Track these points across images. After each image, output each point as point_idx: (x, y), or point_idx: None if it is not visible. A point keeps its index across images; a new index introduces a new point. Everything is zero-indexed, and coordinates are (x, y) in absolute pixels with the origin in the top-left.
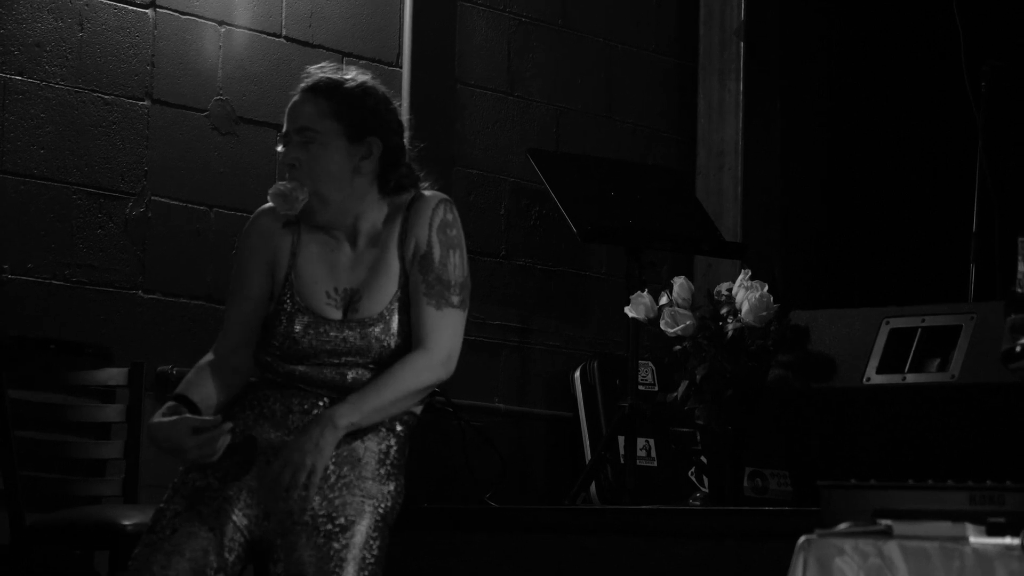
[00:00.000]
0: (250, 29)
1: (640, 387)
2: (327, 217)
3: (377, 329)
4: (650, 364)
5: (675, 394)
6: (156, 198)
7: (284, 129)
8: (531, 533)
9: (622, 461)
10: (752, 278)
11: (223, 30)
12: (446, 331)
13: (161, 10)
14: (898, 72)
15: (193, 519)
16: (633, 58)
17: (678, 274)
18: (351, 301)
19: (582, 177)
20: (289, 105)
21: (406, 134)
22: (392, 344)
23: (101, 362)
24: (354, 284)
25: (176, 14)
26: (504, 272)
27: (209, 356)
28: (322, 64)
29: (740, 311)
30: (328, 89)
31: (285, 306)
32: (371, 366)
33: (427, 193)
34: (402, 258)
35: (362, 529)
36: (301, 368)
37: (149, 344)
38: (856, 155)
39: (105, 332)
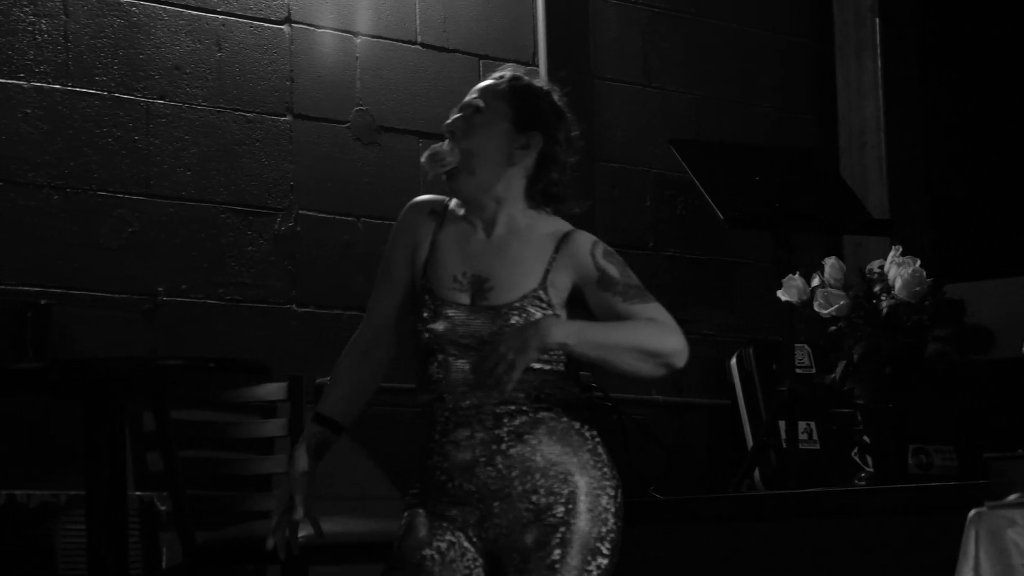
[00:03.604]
0: (385, 38)
1: (797, 370)
2: (470, 189)
3: (513, 318)
4: (806, 347)
5: (833, 375)
6: (303, 212)
7: (454, 114)
8: (698, 523)
9: (784, 445)
10: (903, 254)
11: (359, 40)
12: (669, 316)
13: (296, 25)
14: None
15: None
16: (767, 42)
17: (827, 255)
18: (480, 288)
19: (725, 164)
20: (475, 88)
21: (573, 155)
22: None
23: (260, 378)
24: (484, 271)
25: (311, 28)
26: (653, 264)
27: (350, 351)
28: (508, 66)
29: (893, 288)
30: (512, 79)
31: (417, 290)
32: None
33: (578, 232)
34: (546, 283)
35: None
36: (441, 359)
37: (306, 357)
38: (1000, 124)
39: (262, 348)
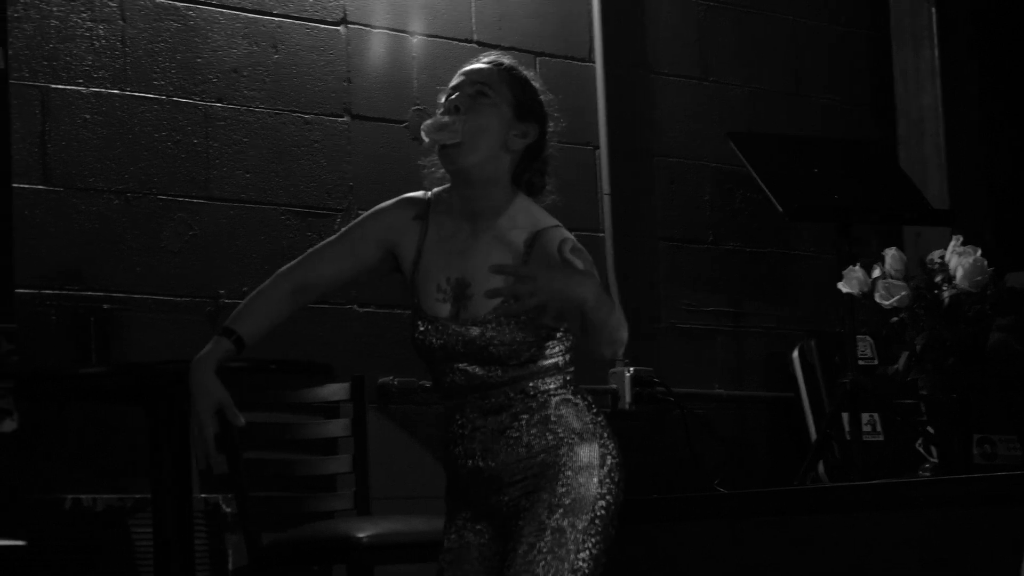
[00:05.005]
0: (441, 37)
1: (860, 362)
2: (468, 164)
3: (490, 330)
4: (868, 338)
5: (896, 366)
6: (362, 212)
7: (451, 85)
8: (763, 516)
9: (848, 438)
10: (964, 243)
11: (415, 40)
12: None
13: (352, 26)
14: None
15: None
16: (823, 33)
17: (887, 246)
18: (462, 294)
19: (783, 156)
20: (465, 68)
21: (552, 141)
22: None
23: (322, 378)
24: (467, 274)
25: (367, 28)
26: (713, 258)
27: (279, 283)
28: (494, 52)
29: (955, 278)
30: (509, 67)
31: (408, 297)
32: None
33: (557, 228)
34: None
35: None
36: (443, 366)
37: (368, 357)
38: None
39: (324, 348)
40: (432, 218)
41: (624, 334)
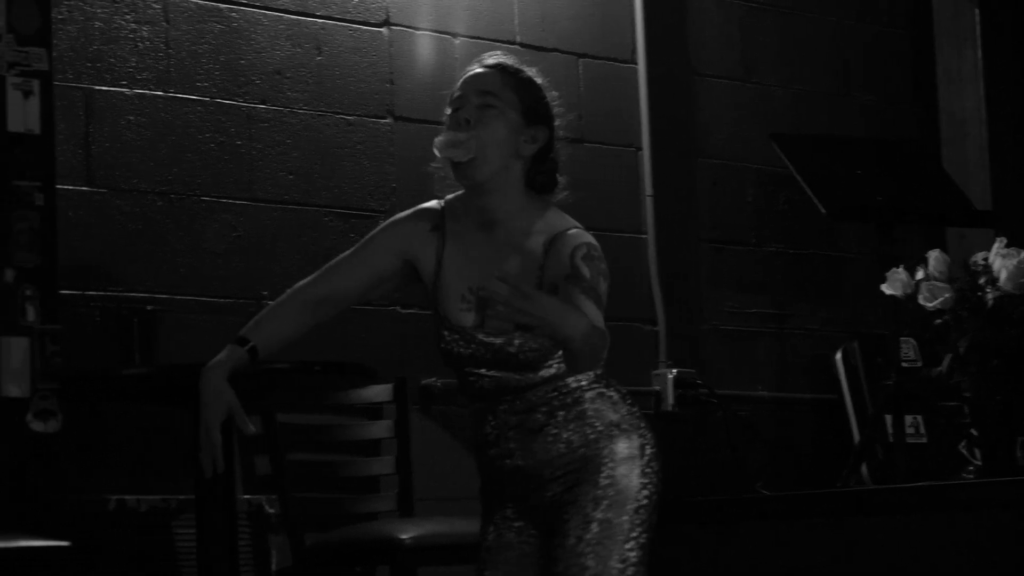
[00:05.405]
0: (483, 38)
1: (903, 364)
2: (482, 177)
3: (516, 340)
4: (911, 340)
5: (939, 368)
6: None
7: (456, 93)
8: (806, 518)
9: (891, 440)
10: (1007, 245)
11: (457, 41)
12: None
13: (395, 27)
14: None
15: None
16: (866, 33)
17: (930, 248)
18: (485, 303)
19: (826, 157)
20: (465, 76)
21: (559, 133)
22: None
23: (365, 380)
24: (488, 282)
25: (410, 30)
26: (756, 259)
27: (296, 297)
28: (497, 52)
29: (998, 279)
30: (513, 70)
31: (432, 308)
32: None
33: (575, 231)
34: (539, 282)
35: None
36: (472, 373)
37: (411, 359)
38: None
39: (367, 350)
40: (449, 227)
41: (596, 364)
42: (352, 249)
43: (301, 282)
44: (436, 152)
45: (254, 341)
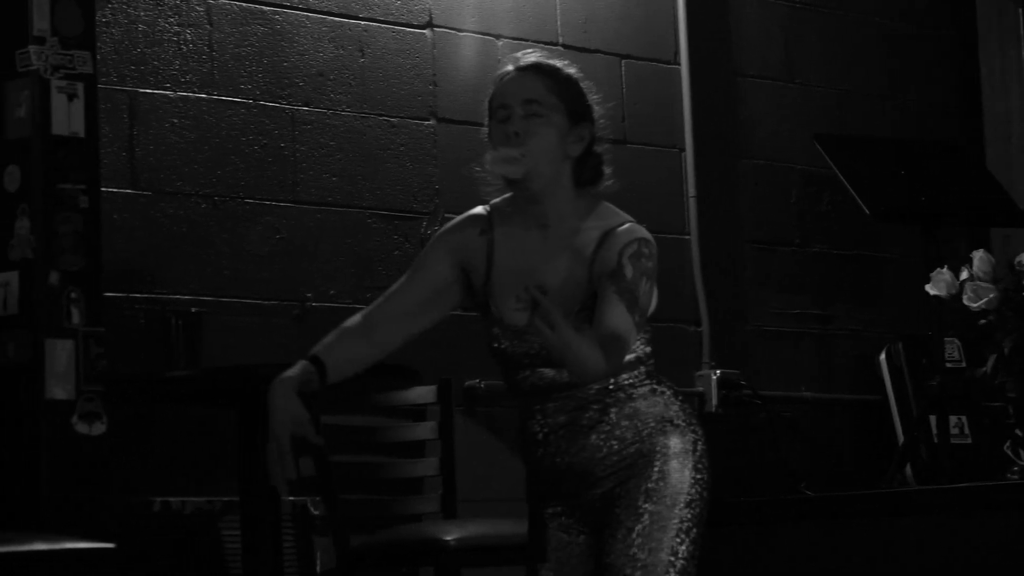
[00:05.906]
0: (526, 40)
1: (947, 364)
2: (537, 187)
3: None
4: (956, 341)
5: (984, 369)
6: (449, 215)
7: (499, 102)
8: (851, 519)
9: (935, 440)
10: None
11: (500, 43)
12: (624, 337)
13: (438, 29)
14: None
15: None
16: (909, 34)
17: (974, 248)
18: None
19: (870, 158)
20: (504, 81)
21: (600, 124)
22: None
23: (409, 381)
24: (542, 284)
25: (453, 31)
26: (799, 260)
27: (356, 320)
28: (529, 51)
29: None
30: (550, 70)
31: (483, 311)
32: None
33: (627, 226)
34: (591, 291)
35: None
36: (522, 375)
37: (454, 360)
38: None
39: (411, 351)
40: (497, 231)
41: (596, 369)
42: (409, 272)
43: (367, 308)
44: (488, 168)
45: (326, 362)
